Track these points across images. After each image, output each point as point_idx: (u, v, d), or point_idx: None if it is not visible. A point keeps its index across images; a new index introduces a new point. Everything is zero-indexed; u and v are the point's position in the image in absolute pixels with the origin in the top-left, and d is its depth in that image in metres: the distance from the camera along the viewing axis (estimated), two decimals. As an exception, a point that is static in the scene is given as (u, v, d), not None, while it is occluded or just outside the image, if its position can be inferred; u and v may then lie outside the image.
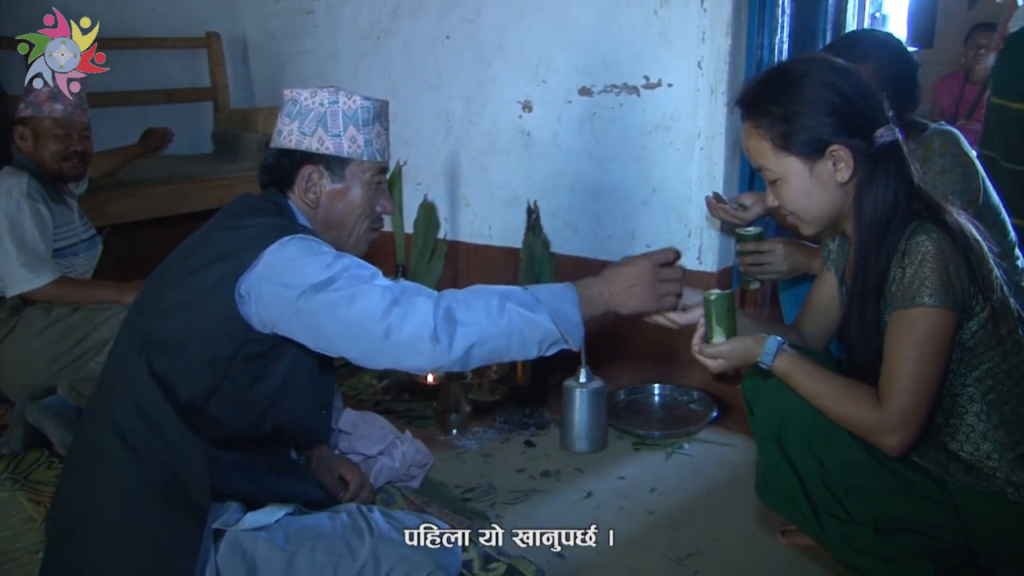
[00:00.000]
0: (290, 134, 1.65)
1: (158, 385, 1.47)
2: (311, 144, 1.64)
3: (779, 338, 1.57)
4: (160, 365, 1.48)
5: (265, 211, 1.60)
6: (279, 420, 1.63)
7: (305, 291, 1.43)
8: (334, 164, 1.65)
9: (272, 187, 1.69)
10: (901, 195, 1.50)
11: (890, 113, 1.54)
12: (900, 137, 1.53)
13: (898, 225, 1.49)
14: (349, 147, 1.65)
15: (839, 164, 1.52)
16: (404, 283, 1.49)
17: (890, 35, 2.10)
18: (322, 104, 1.64)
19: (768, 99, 1.55)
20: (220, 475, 1.51)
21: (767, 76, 1.62)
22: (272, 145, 1.70)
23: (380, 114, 1.70)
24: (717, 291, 1.61)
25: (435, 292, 1.47)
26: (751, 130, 1.58)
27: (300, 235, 1.51)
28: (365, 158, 1.68)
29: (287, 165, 1.65)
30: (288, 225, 1.55)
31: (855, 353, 1.57)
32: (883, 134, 1.50)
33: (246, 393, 1.55)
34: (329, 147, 1.64)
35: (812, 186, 1.54)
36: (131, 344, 1.53)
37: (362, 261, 1.52)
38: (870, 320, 1.54)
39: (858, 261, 1.55)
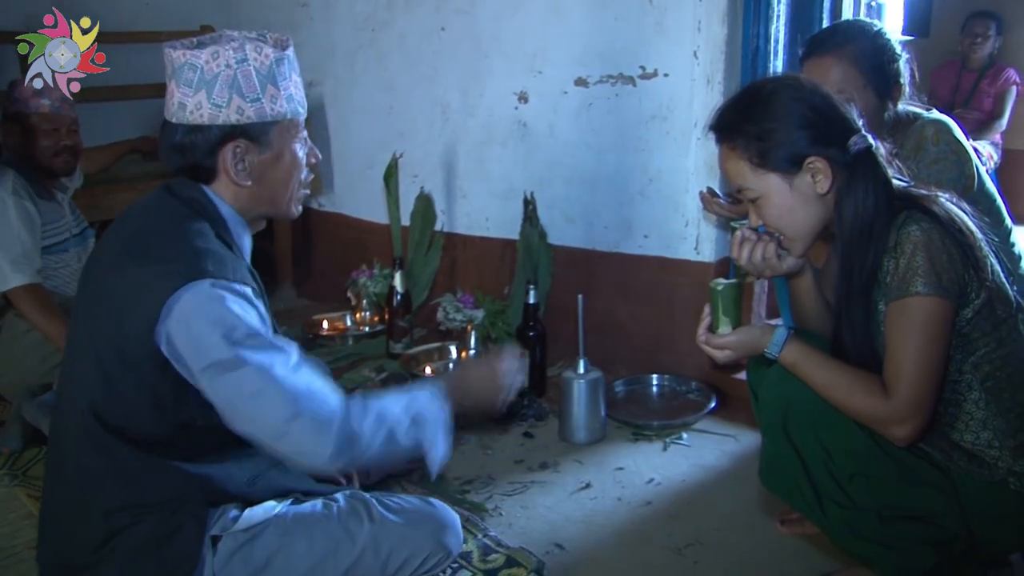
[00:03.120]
0: (198, 107, 1.43)
1: (112, 433, 1.41)
2: (229, 116, 1.44)
3: (786, 328, 1.57)
4: (111, 415, 1.41)
5: (174, 225, 1.45)
6: None
7: (209, 366, 1.34)
8: (258, 131, 1.47)
9: (190, 171, 1.50)
10: (880, 200, 1.51)
11: (860, 121, 1.57)
12: (874, 143, 1.54)
13: (880, 228, 1.50)
14: (271, 109, 1.47)
15: (818, 176, 1.53)
16: (309, 383, 1.40)
17: (872, 24, 2.09)
18: (229, 66, 1.42)
19: (741, 119, 1.57)
20: (213, 487, 1.49)
21: (737, 98, 1.64)
22: (172, 119, 1.47)
23: (294, 62, 1.52)
24: (723, 281, 1.61)
25: (338, 406, 1.41)
26: (728, 152, 1.59)
27: (211, 279, 1.37)
28: (289, 116, 1.51)
29: (203, 144, 1.46)
30: (196, 260, 1.38)
31: (849, 359, 1.57)
32: (857, 141, 1.52)
33: (205, 420, 1.44)
34: (251, 115, 1.45)
35: (794, 201, 1.55)
36: (76, 392, 1.45)
37: (274, 338, 1.41)
38: (859, 325, 1.56)
39: (843, 267, 1.56)
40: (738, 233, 1.65)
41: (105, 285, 1.44)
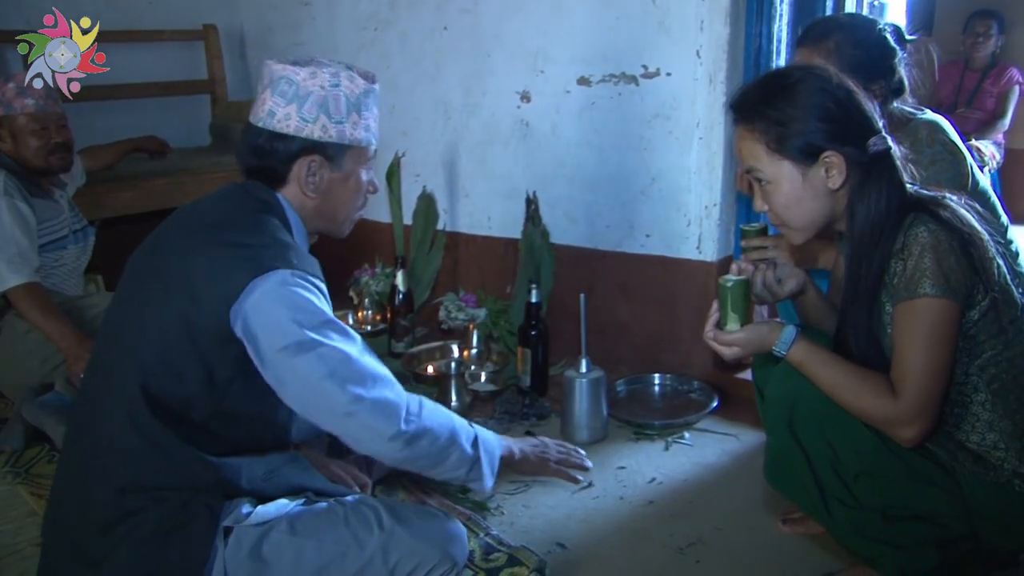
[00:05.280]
0: (287, 118, 1.54)
1: (153, 405, 1.44)
2: (313, 131, 1.55)
3: (795, 327, 1.57)
4: (156, 388, 1.45)
5: (255, 217, 1.53)
6: (281, 420, 1.62)
7: (286, 347, 1.41)
8: (333, 151, 1.58)
9: (261, 173, 1.59)
10: (893, 204, 1.51)
11: (881, 122, 1.55)
12: (893, 146, 1.54)
13: (890, 231, 1.50)
14: (351, 134, 1.59)
15: (832, 171, 1.53)
16: (377, 367, 1.49)
17: (865, 19, 2.08)
18: (323, 87, 1.55)
19: (764, 103, 1.57)
20: (229, 479, 1.51)
21: (763, 81, 1.64)
22: (259, 124, 1.57)
23: (378, 97, 1.65)
24: (733, 277, 1.61)
25: (402, 388, 1.51)
26: (745, 133, 1.59)
27: (291, 270, 1.46)
28: (364, 144, 1.63)
29: (283, 151, 1.56)
30: (279, 249, 1.48)
31: (852, 360, 1.57)
32: (876, 143, 1.52)
33: (248, 408, 1.52)
34: (332, 135, 1.57)
35: (804, 191, 1.55)
36: (123, 360, 1.48)
37: (350, 330, 1.50)
38: (862, 326, 1.56)
39: (850, 269, 1.56)
40: (734, 266, 1.68)
41: (178, 265, 1.49)
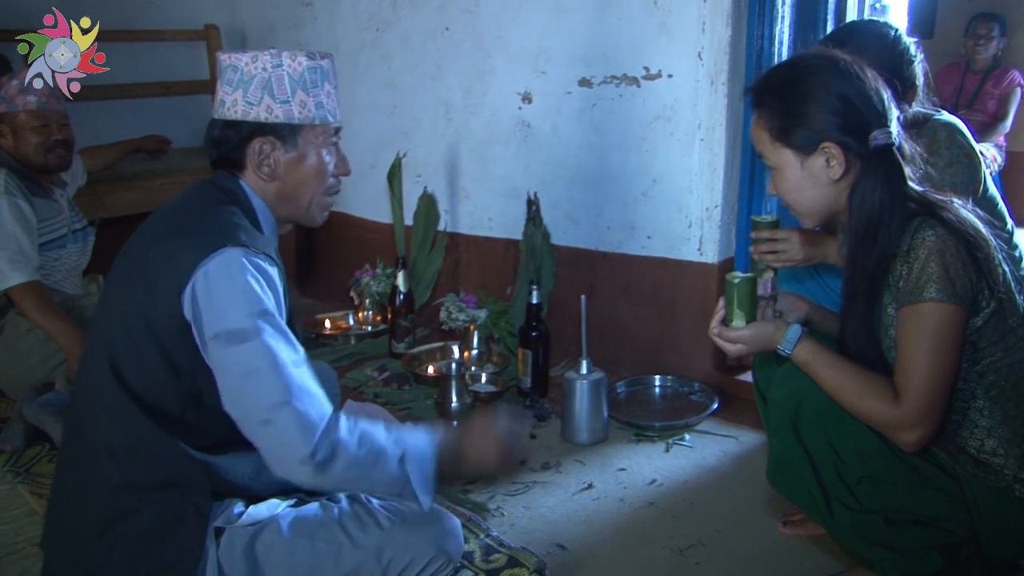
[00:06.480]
0: (234, 104, 1.55)
1: (132, 399, 1.44)
2: (259, 114, 1.54)
3: (800, 326, 1.57)
4: (131, 379, 1.45)
5: (213, 207, 1.53)
6: None
7: (218, 334, 1.39)
8: (285, 132, 1.57)
9: (222, 163, 1.60)
10: (887, 198, 1.50)
11: (897, 115, 1.54)
12: (897, 141, 1.53)
13: (888, 228, 1.49)
14: (300, 113, 1.56)
15: (831, 161, 1.53)
16: (306, 380, 1.42)
17: (888, 26, 2.10)
18: (265, 69, 1.54)
19: (770, 91, 1.59)
20: (217, 476, 1.50)
21: (775, 69, 1.66)
22: (215, 116, 1.59)
23: (328, 73, 1.61)
24: (740, 274, 1.60)
25: (329, 412, 1.42)
26: (756, 118, 1.62)
27: (241, 248, 1.43)
28: (317, 122, 1.59)
29: (234, 138, 1.56)
30: (228, 229, 1.47)
31: (853, 358, 1.57)
32: (877, 137, 1.51)
33: (218, 399, 1.47)
34: (279, 115, 1.55)
35: (804, 180, 1.56)
36: (100, 357, 1.49)
37: (290, 336, 1.45)
38: (860, 323, 1.56)
39: (848, 266, 1.56)
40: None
41: (141, 257, 1.49)
